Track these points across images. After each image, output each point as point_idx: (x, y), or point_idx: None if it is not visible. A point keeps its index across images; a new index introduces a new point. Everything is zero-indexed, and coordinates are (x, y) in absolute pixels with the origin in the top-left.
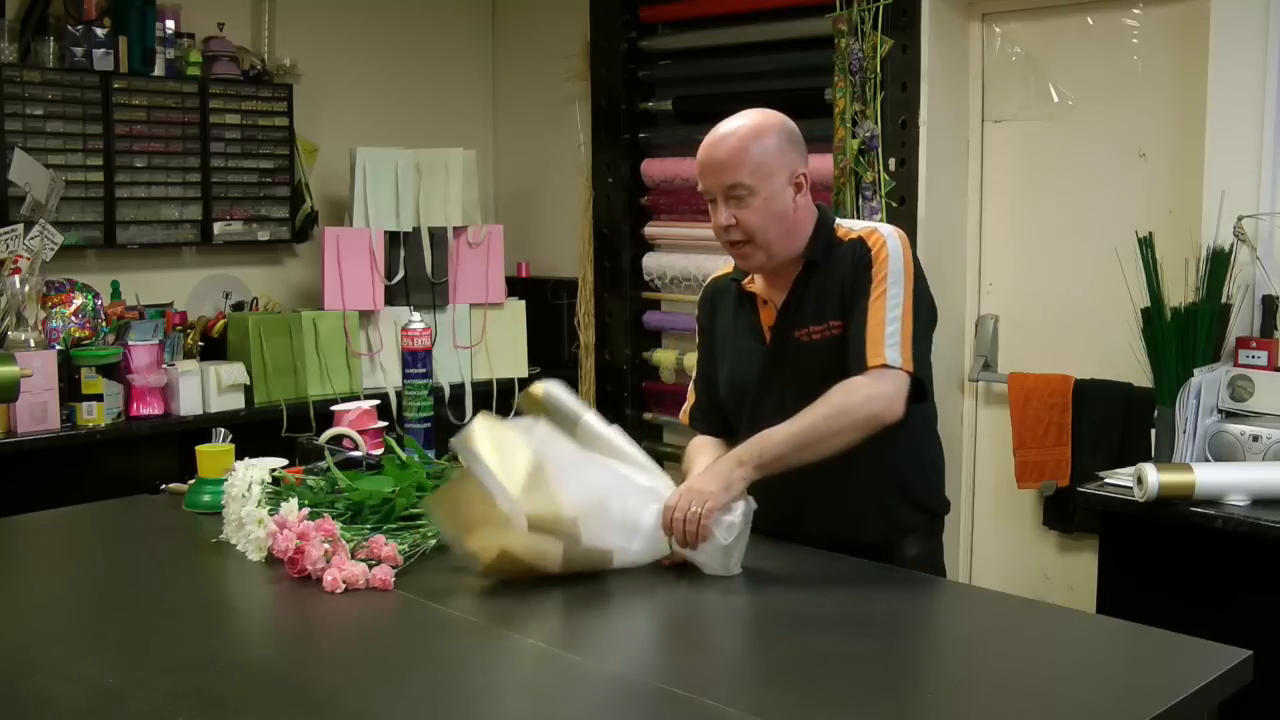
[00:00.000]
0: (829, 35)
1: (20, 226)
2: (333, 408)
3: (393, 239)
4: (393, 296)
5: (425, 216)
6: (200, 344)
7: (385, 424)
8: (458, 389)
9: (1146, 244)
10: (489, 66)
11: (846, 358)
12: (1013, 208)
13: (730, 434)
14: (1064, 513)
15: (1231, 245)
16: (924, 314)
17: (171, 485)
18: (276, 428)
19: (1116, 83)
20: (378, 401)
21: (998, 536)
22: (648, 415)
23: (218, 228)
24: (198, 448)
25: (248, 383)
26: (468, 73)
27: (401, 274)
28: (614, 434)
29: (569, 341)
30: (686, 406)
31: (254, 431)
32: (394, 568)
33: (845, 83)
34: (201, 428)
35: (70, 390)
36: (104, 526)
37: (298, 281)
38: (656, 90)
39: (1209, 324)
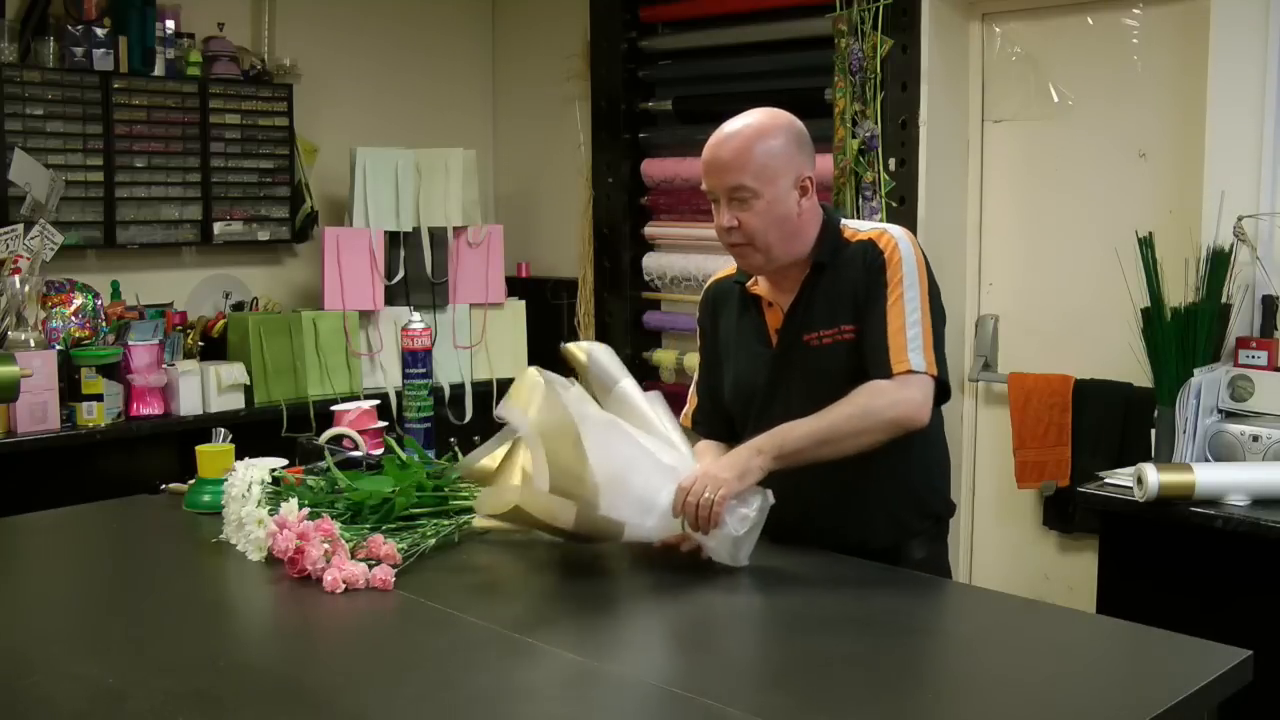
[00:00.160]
0: (829, 35)
1: (20, 226)
2: (333, 408)
3: (393, 239)
4: (393, 296)
5: (425, 216)
6: (200, 344)
7: (385, 424)
8: (458, 389)
9: (1146, 244)
10: (489, 66)
11: (858, 361)
12: (1013, 208)
13: (733, 437)
14: (1064, 513)
15: (1231, 245)
16: (939, 314)
17: (171, 485)
18: (276, 428)
19: (1116, 82)
20: (378, 401)
21: (998, 536)
22: None
23: (218, 228)
24: (198, 448)
25: (248, 383)
26: (468, 72)
27: (401, 274)
28: (648, 405)
29: (569, 341)
30: (688, 410)
31: (254, 431)
32: (394, 567)
33: (845, 83)
34: (201, 428)
35: (70, 390)
36: (104, 526)
37: (298, 281)
38: (656, 90)
39: (1209, 324)
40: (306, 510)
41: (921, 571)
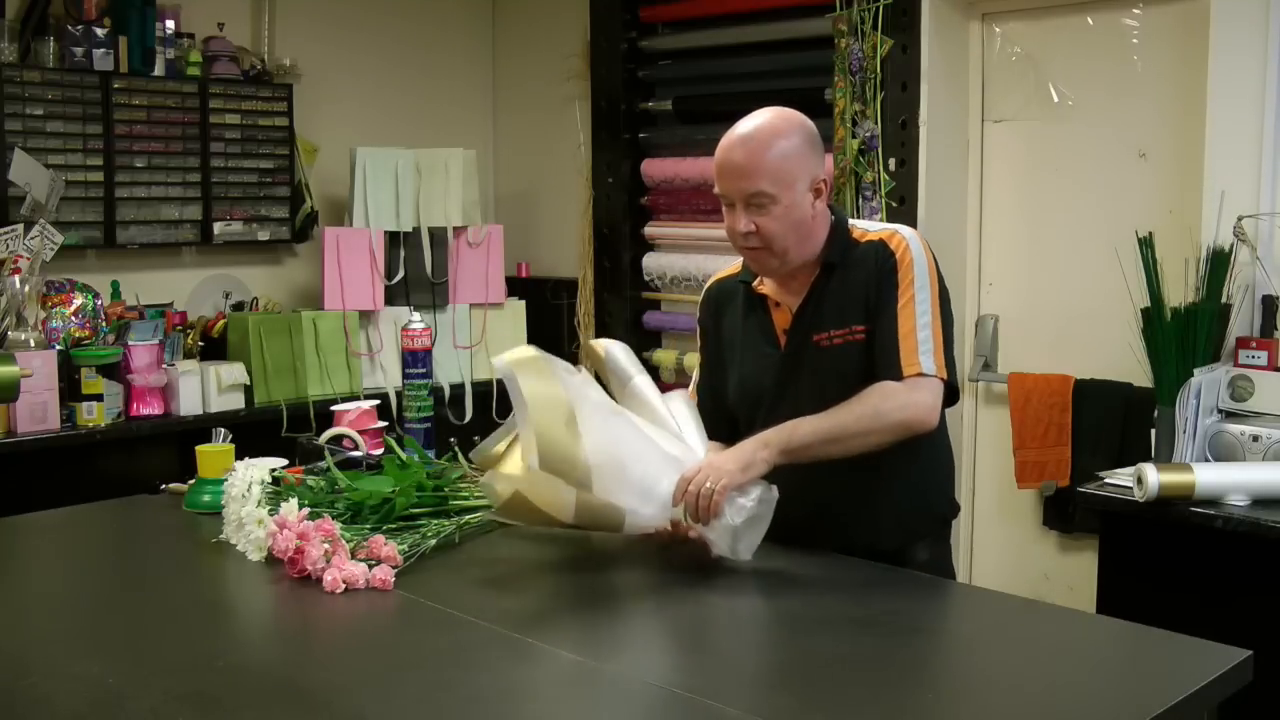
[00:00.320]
0: (829, 35)
1: (20, 226)
2: (333, 408)
3: (393, 239)
4: (393, 296)
5: (425, 216)
6: (200, 344)
7: (385, 424)
8: (458, 389)
9: (1146, 244)
10: (489, 66)
11: (869, 362)
12: (1013, 208)
13: (734, 439)
14: (1064, 513)
15: (1231, 245)
16: (949, 317)
17: (171, 485)
18: (276, 428)
19: (1116, 83)
20: (378, 401)
21: (998, 536)
22: None
23: (218, 228)
24: (198, 448)
25: (248, 383)
26: (468, 72)
27: (401, 274)
28: (661, 403)
29: (569, 341)
30: None
31: (254, 431)
32: (394, 568)
33: (845, 83)
34: (201, 428)
35: (70, 390)
36: (104, 526)
37: (298, 281)
38: (656, 90)
39: (1209, 324)
40: (306, 510)
41: (927, 573)
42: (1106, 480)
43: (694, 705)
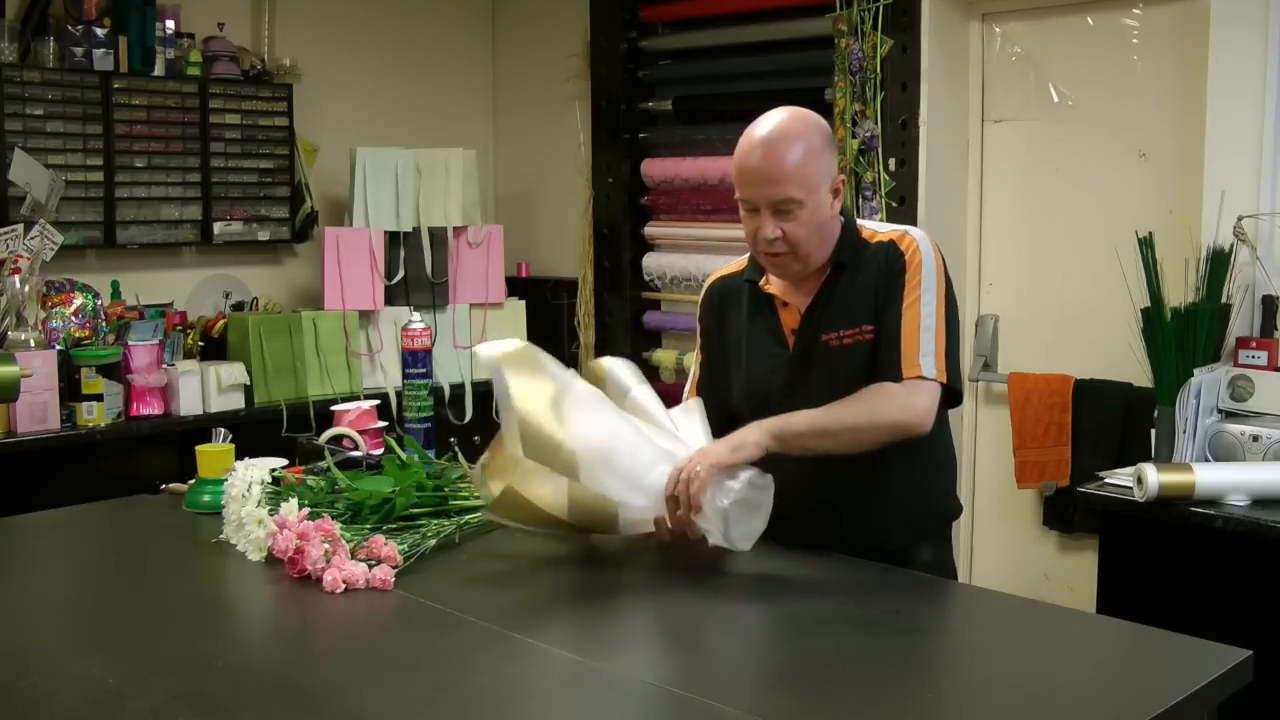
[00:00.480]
0: (829, 35)
1: (20, 226)
2: (333, 408)
3: (393, 239)
4: (393, 296)
5: (425, 216)
6: (200, 344)
7: (385, 424)
8: (458, 389)
9: (1146, 244)
10: (489, 66)
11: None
12: (1013, 208)
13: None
14: (1064, 513)
15: (1231, 245)
16: (954, 319)
17: (171, 485)
18: (276, 428)
19: (1116, 83)
20: (378, 401)
21: (998, 536)
22: None
23: (218, 228)
24: (198, 448)
25: (248, 383)
26: (468, 72)
27: (401, 274)
28: (661, 411)
29: (569, 341)
30: None
31: (254, 431)
32: (394, 568)
33: (845, 83)
34: (201, 428)
35: (70, 390)
36: (104, 526)
37: (298, 281)
38: (656, 90)
39: (1209, 324)
40: (306, 510)
41: (930, 574)
42: (1106, 480)
43: (694, 705)
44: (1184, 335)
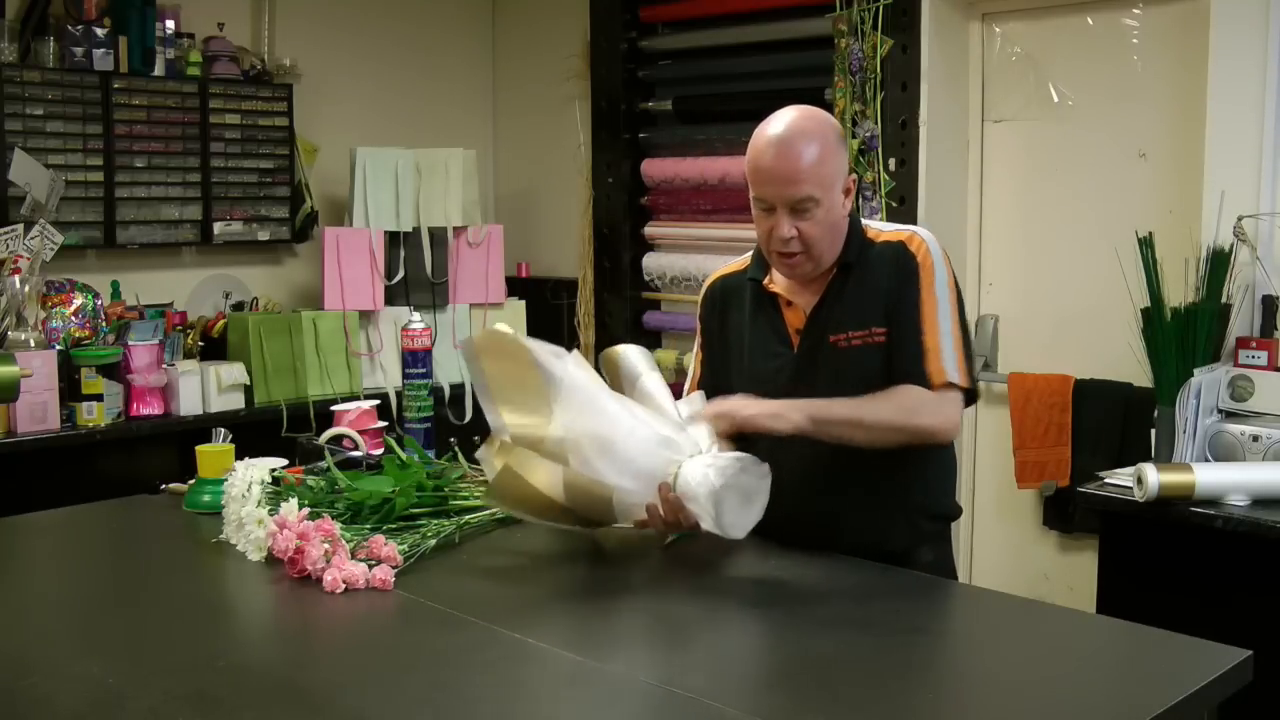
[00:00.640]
0: (829, 35)
1: (20, 226)
2: (333, 408)
3: (393, 239)
4: (393, 296)
5: (425, 216)
6: (200, 344)
7: (385, 424)
8: (458, 389)
9: (1146, 244)
10: (489, 66)
11: (888, 364)
12: (1013, 208)
13: (734, 439)
14: (1064, 513)
15: (1231, 245)
16: (965, 320)
17: (171, 485)
18: (276, 428)
19: (1116, 83)
20: (378, 401)
21: (998, 536)
22: None
23: (218, 228)
24: (198, 448)
25: (248, 383)
26: (468, 72)
27: (401, 274)
28: (669, 400)
29: (569, 341)
30: None
31: (254, 431)
32: (394, 568)
33: (845, 83)
34: (201, 428)
35: (70, 390)
36: (104, 526)
37: (298, 281)
38: (656, 90)
39: (1209, 324)
40: (306, 510)
41: (930, 574)
42: (1106, 480)
43: (694, 705)
44: (1184, 335)
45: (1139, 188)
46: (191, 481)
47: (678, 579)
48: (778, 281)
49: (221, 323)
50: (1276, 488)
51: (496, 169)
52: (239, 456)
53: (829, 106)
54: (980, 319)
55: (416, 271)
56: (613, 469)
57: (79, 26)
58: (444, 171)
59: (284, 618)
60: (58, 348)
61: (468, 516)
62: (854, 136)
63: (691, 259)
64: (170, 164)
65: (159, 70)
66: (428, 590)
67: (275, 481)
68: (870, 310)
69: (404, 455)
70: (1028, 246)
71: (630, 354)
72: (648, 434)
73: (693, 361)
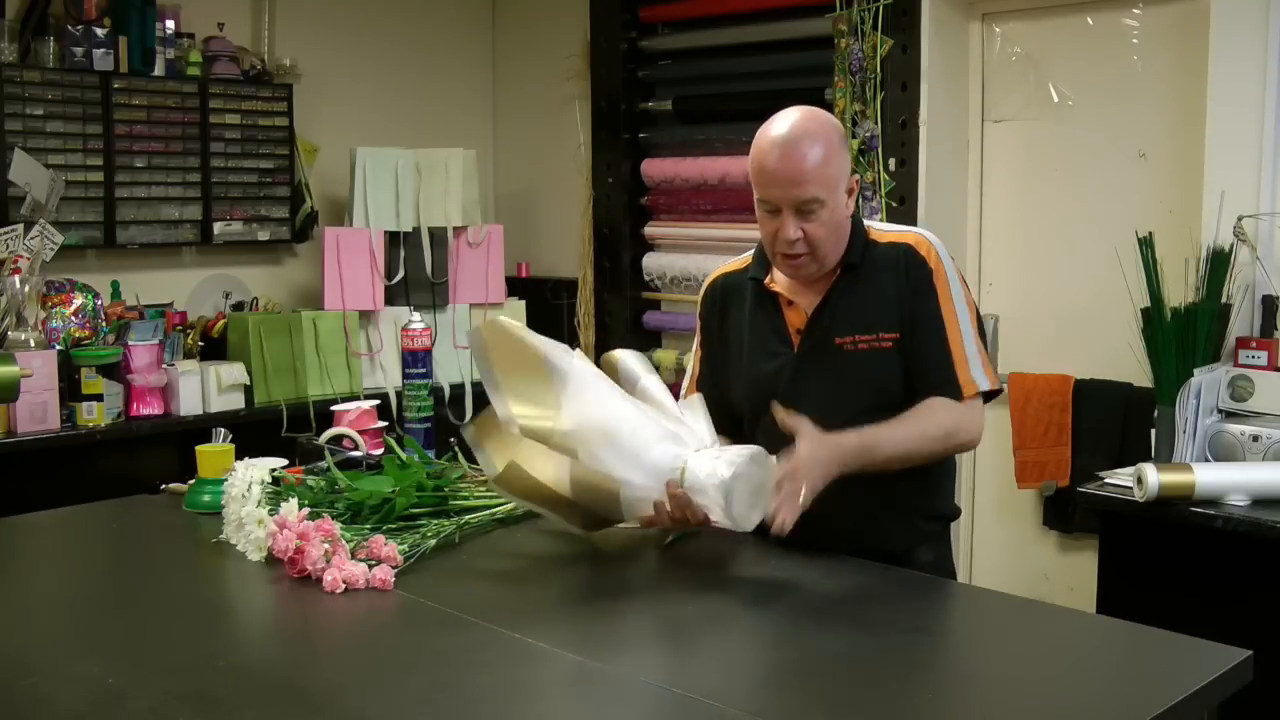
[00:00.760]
0: (829, 35)
1: (20, 226)
2: (333, 408)
3: (393, 239)
4: (393, 296)
5: (425, 216)
6: (200, 344)
7: (385, 424)
8: (458, 389)
9: (1146, 244)
10: (489, 66)
11: (894, 369)
12: (1013, 208)
13: (737, 436)
14: (1064, 513)
15: (1231, 245)
16: (980, 321)
17: (171, 485)
18: (276, 428)
19: (1116, 83)
20: (378, 401)
21: (998, 537)
22: None
23: (218, 228)
24: (198, 448)
25: (248, 383)
26: (468, 72)
27: (401, 274)
28: (669, 400)
29: (569, 342)
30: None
31: (254, 431)
32: (394, 568)
33: (845, 83)
34: (201, 428)
35: (70, 390)
36: (104, 526)
37: (298, 281)
38: (656, 90)
39: (1209, 324)
40: (306, 510)
41: (930, 575)
42: (1106, 480)
43: (694, 705)
44: (1184, 335)
45: (1139, 188)
46: (191, 481)
47: (677, 579)
48: (779, 280)
49: (221, 323)
50: (1276, 488)
51: (496, 169)
52: (239, 456)
53: (829, 106)
54: (980, 319)
55: (416, 271)
56: (620, 463)
57: (79, 26)
58: (444, 171)
59: (284, 618)
60: (58, 348)
61: (468, 516)
62: (854, 136)
63: (691, 259)
64: (170, 164)
65: (159, 70)
66: (428, 590)
67: (275, 481)
68: (878, 314)
69: (404, 455)
70: (1028, 246)
71: (628, 358)
72: (654, 429)
73: (692, 360)
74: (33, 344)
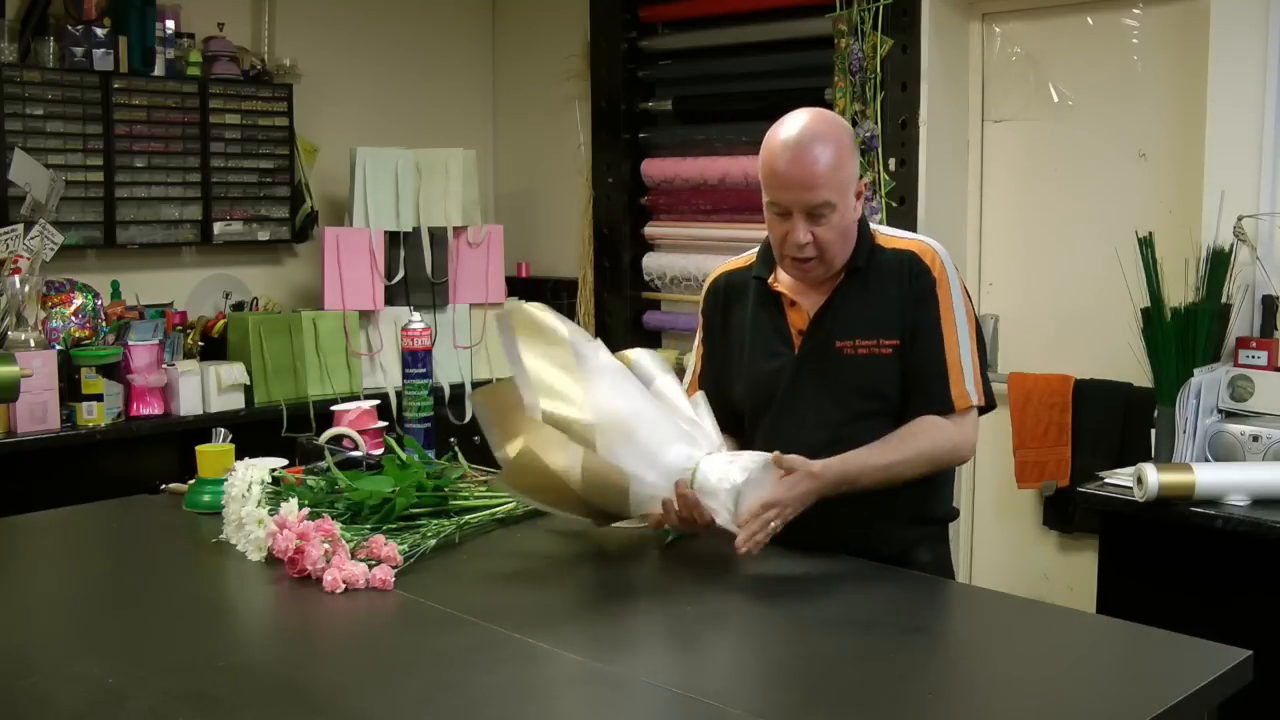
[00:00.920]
0: (829, 35)
1: (20, 226)
2: (333, 408)
3: (393, 239)
4: (393, 296)
5: (425, 216)
6: (200, 344)
7: (385, 424)
8: (458, 389)
9: (1146, 244)
10: (489, 66)
11: (893, 375)
12: (1013, 208)
13: (737, 434)
14: (1064, 513)
15: (1231, 245)
16: (980, 332)
17: (171, 485)
18: (276, 428)
19: (1116, 82)
20: (378, 401)
21: (998, 536)
22: None
23: (218, 228)
24: (198, 448)
25: (248, 383)
26: (468, 72)
27: (401, 274)
28: (684, 401)
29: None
30: None
31: (254, 431)
32: (394, 568)
33: (845, 83)
34: (201, 428)
35: (70, 390)
36: (104, 526)
37: (298, 281)
38: (656, 90)
39: (1209, 324)
40: (306, 510)
41: (928, 575)
42: (1106, 480)
43: (694, 705)
44: (1184, 335)
45: (1139, 188)
46: (191, 481)
47: (678, 579)
48: (782, 281)
49: (221, 323)
50: (1276, 488)
51: (496, 169)
52: (239, 456)
53: (829, 106)
54: (980, 319)
55: (416, 271)
56: (635, 459)
57: (79, 26)
58: (444, 171)
59: (284, 618)
60: (58, 348)
61: (468, 516)
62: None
63: (691, 259)
64: (170, 164)
65: (159, 70)
66: (428, 590)
67: (275, 481)
68: (880, 320)
69: (404, 455)
70: (1028, 246)
71: (643, 358)
72: (671, 429)
73: (693, 357)
74: (33, 344)
